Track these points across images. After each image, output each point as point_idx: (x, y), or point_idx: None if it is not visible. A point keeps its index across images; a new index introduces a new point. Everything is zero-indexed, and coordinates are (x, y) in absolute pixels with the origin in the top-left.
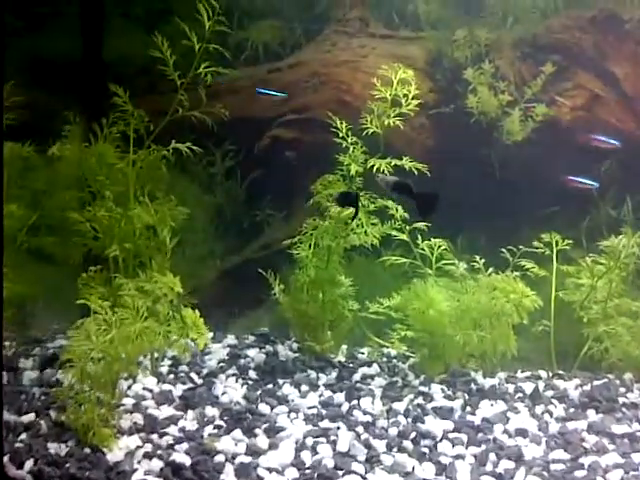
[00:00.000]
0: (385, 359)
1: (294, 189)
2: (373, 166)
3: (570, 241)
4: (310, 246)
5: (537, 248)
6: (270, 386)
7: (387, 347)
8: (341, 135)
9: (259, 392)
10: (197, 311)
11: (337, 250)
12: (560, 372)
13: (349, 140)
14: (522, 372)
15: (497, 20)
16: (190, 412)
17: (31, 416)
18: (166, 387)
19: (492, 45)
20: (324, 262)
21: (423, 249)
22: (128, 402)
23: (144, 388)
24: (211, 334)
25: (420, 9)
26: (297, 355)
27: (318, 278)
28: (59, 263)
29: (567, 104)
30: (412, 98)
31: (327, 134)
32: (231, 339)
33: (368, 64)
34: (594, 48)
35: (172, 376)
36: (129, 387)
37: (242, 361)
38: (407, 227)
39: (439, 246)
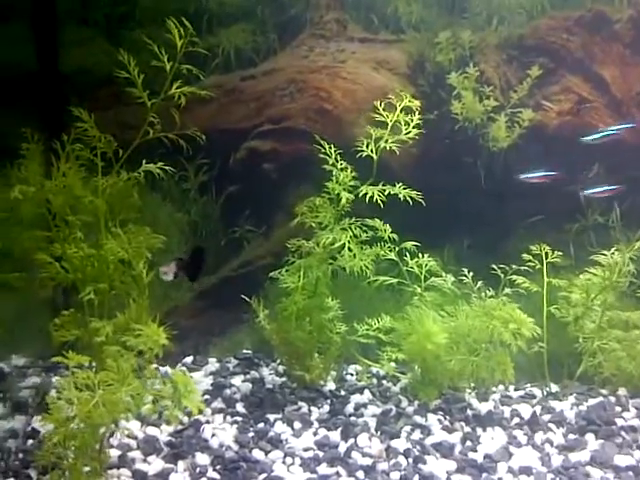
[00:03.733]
0: (375, 380)
1: (273, 203)
2: (366, 194)
3: (560, 252)
4: (299, 278)
5: (528, 261)
6: (261, 425)
7: (376, 367)
8: (331, 162)
9: (251, 434)
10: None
11: (325, 276)
12: (554, 391)
13: (338, 166)
14: (516, 390)
15: (481, 21)
16: (180, 463)
17: None
18: (151, 431)
19: (476, 47)
20: (312, 289)
21: (412, 267)
22: (113, 453)
23: (128, 436)
24: (191, 358)
25: (401, 10)
26: (284, 380)
27: (307, 306)
28: (25, 294)
29: (554, 109)
30: (413, 127)
31: (306, 144)
32: (213, 364)
33: (347, 69)
34: (582, 50)
35: (155, 416)
36: (112, 434)
37: (228, 392)
38: (395, 247)
39: (427, 264)
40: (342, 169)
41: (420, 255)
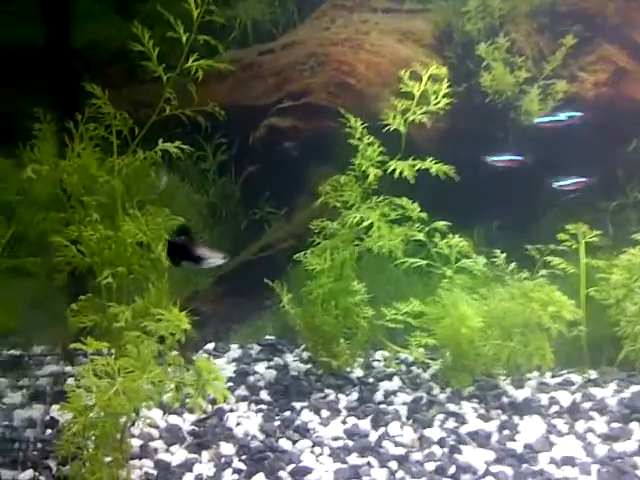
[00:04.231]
0: (403, 367)
1: (295, 183)
2: (394, 170)
3: (598, 232)
4: (325, 259)
5: (564, 241)
6: (287, 413)
7: (405, 353)
8: (357, 136)
9: (277, 423)
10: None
11: (352, 258)
12: (593, 377)
13: (365, 140)
14: (552, 376)
15: None
16: (205, 453)
17: (29, 473)
18: (173, 420)
19: (507, 16)
20: (338, 272)
21: (441, 248)
22: (134, 443)
23: (150, 425)
24: (212, 345)
25: None
26: (309, 367)
27: (333, 289)
28: (41, 281)
29: (590, 79)
30: (443, 96)
31: (329, 120)
32: (235, 350)
33: (371, 41)
34: (619, 16)
35: (177, 404)
36: (133, 423)
37: (251, 379)
38: (425, 227)
39: (457, 244)
40: (369, 144)
41: (450, 236)
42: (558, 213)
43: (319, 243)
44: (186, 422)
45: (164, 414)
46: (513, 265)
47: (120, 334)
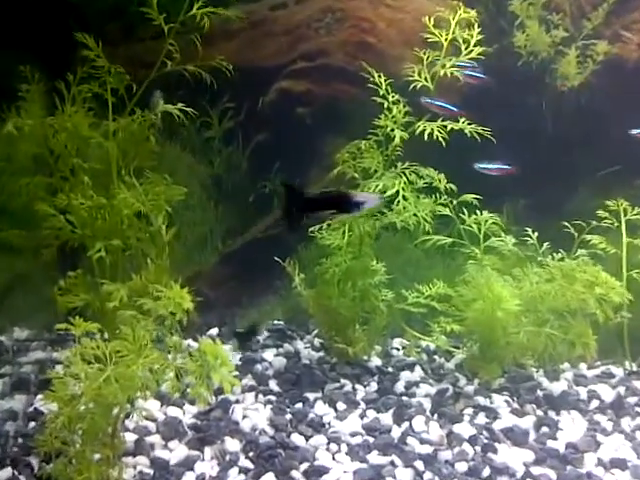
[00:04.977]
0: (425, 355)
1: (308, 153)
2: (424, 131)
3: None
4: (344, 233)
5: (603, 219)
6: (299, 406)
7: (426, 341)
8: (381, 92)
9: (288, 417)
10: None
11: (372, 233)
12: (635, 369)
13: (390, 98)
14: (589, 368)
15: None
16: (207, 449)
17: (7, 471)
18: (172, 412)
19: None
20: (357, 249)
21: (470, 226)
22: (128, 438)
23: (146, 417)
24: (216, 330)
25: None
26: (322, 354)
27: (350, 268)
28: (27, 256)
29: (635, 40)
30: (475, 45)
31: (346, 84)
32: None
33: None
34: None
35: (177, 394)
36: (127, 416)
37: (259, 367)
38: (452, 201)
39: (486, 221)
40: (394, 102)
41: (478, 212)
42: (591, 190)
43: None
44: (187, 414)
45: (162, 405)
46: (546, 245)
47: (114, 315)
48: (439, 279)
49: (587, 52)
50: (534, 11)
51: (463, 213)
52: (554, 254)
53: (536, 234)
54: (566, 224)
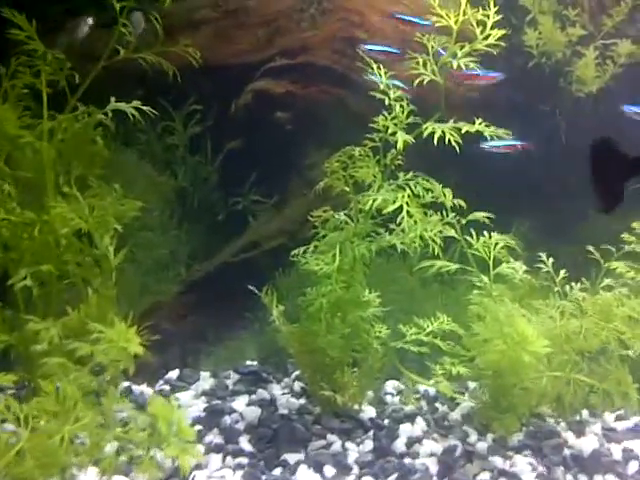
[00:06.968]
0: (424, 403)
1: (288, 165)
2: (433, 134)
3: None
4: (334, 257)
5: (629, 243)
6: (278, 472)
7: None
8: (381, 86)
9: None
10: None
11: (365, 257)
12: None
13: (392, 94)
14: (617, 419)
15: None
16: None
17: None
18: None
19: None
20: (349, 275)
21: (477, 250)
22: None
23: None
24: (176, 372)
25: None
26: (303, 403)
27: (340, 299)
28: None
29: None
30: (492, 27)
31: (332, 85)
32: (206, 380)
33: None
34: None
35: (123, 458)
36: None
37: (227, 420)
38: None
39: (497, 244)
40: (396, 99)
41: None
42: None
43: (324, 236)
44: None
45: (102, 476)
46: (563, 273)
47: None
48: (439, 312)
49: (607, 53)
50: (548, 6)
51: (469, 235)
52: (573, 284)
53: (551, 260)
54: (589, 249)
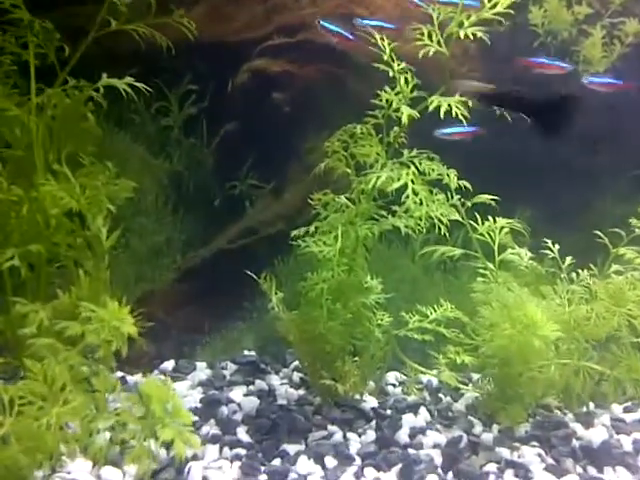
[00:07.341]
0: (426, 393)
1: (286, 148)
2: (439, 108)
3: None
4: (336, 238)
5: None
6: (277, 462)
7: (428, 375)
8: (385, 58)
9: (262, 477)
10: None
11: (367, 241)
12: None
13: (396, 67)
14: (626, 410)
15: None
16: None
17: None
18: (109, 474)
19: None
20: (350, 260)
21: (482, 235)
22: None
23: None
24: (172, 363)
25: None
26: (302, 393)
27: (341, 284)
28: None
29: None
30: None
31: (331, 64)
32: (202, 371)
33: None
34: None
35: (117, 448)
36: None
37: (224, 410)
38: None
39: (502, 229)
40: (400, 71)
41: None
42: (615, 196)
43: (325, 217)
44: (127, 477)
45: (94, 467)
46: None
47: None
48: (442, 299)
49: (614, 32)
50: None
51: (473, 219)
52: (579, 271)
53: (557, 247)
54: (599, 234)
